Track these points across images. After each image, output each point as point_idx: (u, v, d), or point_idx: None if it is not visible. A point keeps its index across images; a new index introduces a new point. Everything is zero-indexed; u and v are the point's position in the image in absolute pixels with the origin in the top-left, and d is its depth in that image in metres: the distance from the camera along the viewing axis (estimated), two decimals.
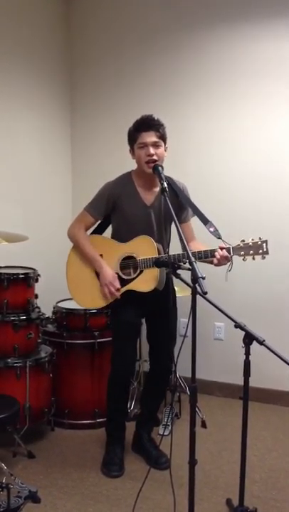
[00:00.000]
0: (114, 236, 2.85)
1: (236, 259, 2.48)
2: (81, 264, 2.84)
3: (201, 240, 2.81)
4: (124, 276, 2.73)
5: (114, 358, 2.84)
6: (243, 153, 3.77)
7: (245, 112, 3.74)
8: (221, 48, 3.78)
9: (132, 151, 2.72)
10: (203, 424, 3.39)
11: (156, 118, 2.68)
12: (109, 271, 2.72)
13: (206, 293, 1.91)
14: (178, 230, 2.25)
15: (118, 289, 2.70)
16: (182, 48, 3.90)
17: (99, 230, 2.94)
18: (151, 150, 2.62)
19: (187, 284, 2.06)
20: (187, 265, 2.08)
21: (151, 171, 2.61)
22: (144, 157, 2.64)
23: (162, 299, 2.66)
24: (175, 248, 2.62)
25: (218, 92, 3.81)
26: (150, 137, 2.62)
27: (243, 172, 3.78)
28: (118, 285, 2.70)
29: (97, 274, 2.78)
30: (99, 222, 2.89)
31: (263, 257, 2.44)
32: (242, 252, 2.45)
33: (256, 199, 3.75)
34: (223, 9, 3.74)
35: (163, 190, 2.44)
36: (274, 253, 3.48)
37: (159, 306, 2.74)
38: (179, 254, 2.50)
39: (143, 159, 2.64)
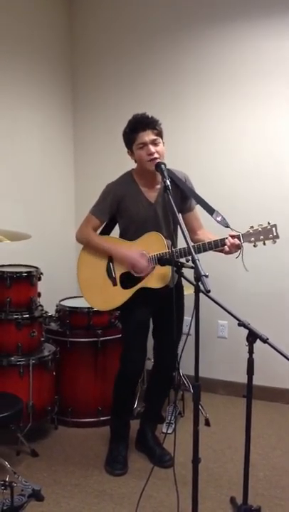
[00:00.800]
0: (122, 236, 2.84)
1: (246, 251, 2.46)
2: (92, 266, 2.82)
3: (208, 229, 2.80)
4: (135, 274, 2.72)
5: (125, 356, 2.83)
6: (245, 152, 3.76)
7: (246, 111, 3.72)
8: (221, 48, 3.77)
9: (131, 152, 2.70)
10: (207, 423, 3.39)
11: (150, 116, 2.66)
12: (131, 251, 2.69)
13: (209, 291, 1.90)
14: (182, 230, 2.23)
15: (149, 262, 2.65)
16: (183, 48, 3.89)
17: (105, 232, 2.93)
18: (152, 148, 2.60)
19: (190, 282, 2.06)
20: (190, 263, 2.07)
21: (154, 168, 2.60)
22: (145, 156, 2.62)
23: (172, 296, 2.65)
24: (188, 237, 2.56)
25: (218, 91, 3.80)
26: (148, 136, 2.61)
27: (245, 171, 3.77)
28: (146, 257, 2.65)
29: (109, 274, 2.76)
30: (105, 224, 2.89)
31: (274, 241, 2.43)
32: (252, 238, 2.44)
33: (258, 197, 3.73)
34: (224, 9, 3.72)
35: (166, 188, 2.42)
36: (278, 251, 3.49)
37: (168, 303, 2.74)
38: (184, 248, 2.48)
39: (145, 159, 2.63)
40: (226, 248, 2.47)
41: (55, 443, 3.13)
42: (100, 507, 2.48)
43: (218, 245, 2.49)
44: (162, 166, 2.56)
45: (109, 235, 2.93)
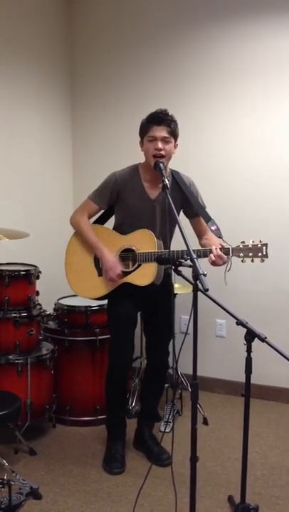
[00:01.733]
0: (116, 228, 2.84)
1: (236, 259, 2.48)
2: (81, 253, 2.84)
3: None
4: (122, 268, 2.72)
5: (112, 351, 2.85)
6: (246, 151, 3.76)
7: (246, 109, 3.72)
8: (221, 46, 3.76)
9: (142, 142, 2.70)
10: (205, 421, 3.39)
11: (170, 113, 2.66)
12: (111, 257, 2.71)
13: (207, 290, 1.90)
14: (180, 227, 2.22)
15: (119, 275, 2.68)
16: (182, 47, 3.88)
17: (101, 221, 2.93)
18: (160, 144, 2.60)
19: (188, 281, 2.05)
20: (188, 262, 2.07)
21: (153, 166, 2.59)
22: (152, 150, 2.62)
23: (160, 294, 2.66)
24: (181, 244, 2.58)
25: (219, 90, 3.79)
26: (160, 131, 2.61)
27: (246, 170, 3.77)
28: (119, 271, 2.69)
29: (96, 263, 2.78)
30: (102, 211, 2.88)
31: (262, 260, 2.44)
32: (241, 254, 2.45)
33: (259, 197, 3.74)
34: (223, 9, 3.72)
35: (164, 186, 2.42)
36: (276, 250, 3.49)
37: (156, 301, 2.75)
38: (178, 251, 2.49)
39: (151, 152, 2.63)
40: (212, 257, 2.47)
41: (53, 441, 3.13)
42: (97, 505, 2.48)
43: (205, 254, 2.49)
44: (160, 165, 2.55)
45: (103, 224, 2.92)
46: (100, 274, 2.79)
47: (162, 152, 2.60)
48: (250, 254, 2.44)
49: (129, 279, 2.70)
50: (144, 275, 2.66)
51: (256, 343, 2.06)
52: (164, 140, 2.62)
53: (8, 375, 2.95)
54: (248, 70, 3.69)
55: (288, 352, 1.96)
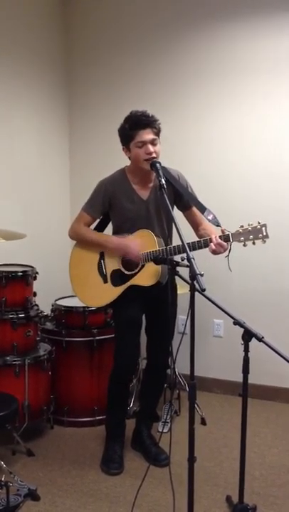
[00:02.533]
0: (115, 234, 2.84)
1: (236, 252, 2.46)
2: (84, 262, 2.84)
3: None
4: (126, 272, 2.72)
5: (117, 354, 2.84)
6: (245, 149, 3.76)
7: (245, 107, 3.72)
8: (220, 45, 3.76)
9: (127, 149, 2.68)
10: (203, 422, 3.39)
11: (150, 114, 2.64)
12: (122, 239, 2.69)
13: (204, 290, 1.90)
14: (176, 228, 2.22)
15: (135, 245, 2.65)
16: (181, 47, 3.88)
17: (99, 229, 2.93)
18: (151, 148, 2.59)
19: (186, 281, 2.06)
20: (185, 262, 2.07)
21: (150, 167, 2.59)
22: (143, 155, 2.61)
23: (164, 294, 2.66)
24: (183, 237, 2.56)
25: (217, 90, 3.79)
26: (148, 135, 2.59)
27: (243, 167, 3.77)
28: (129, 244, 2.66)
29: (100, 271, 2.78)
30: (98, 221, 2.89)
31: (264, 241, 2.41)
32: (242, 238, 2.43)
33: (256, 193, 3.73)
34: (222, 8, 3.72)
35: (161, 186, 2.41)
36: (273, 249, 3.49)
37: (160, 301, 2.74)
38: (176, 246, 2.48)
39: (142, 157, 2.61)
40: (212, 246, 2.45)
41: (51, 442, 3.12)
42: (95, 506, 2.47)
43: (206, 244, 2.47)
44: (157, 164, 2.55)
45: (102, 232, 2.93)
46: (105, 281, 2.78)
47: (154, 155, 2.59)
48: (251, 236, 2.41)
49: (134, 281, 2.70)
50: (149, 275, 2.65)
51: (254, 342, 2.06)
52: (153, 142, 2.61)
53: (6, 377, 2.94)
54: (247, 67, 3.68)
55: (285, 351, 1.96)
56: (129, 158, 2.71)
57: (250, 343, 2.09)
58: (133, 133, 2.61)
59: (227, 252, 2.46)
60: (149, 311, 2.90)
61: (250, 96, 3.70)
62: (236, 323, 2.06)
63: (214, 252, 2.47)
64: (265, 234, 2.41)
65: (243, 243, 2.43)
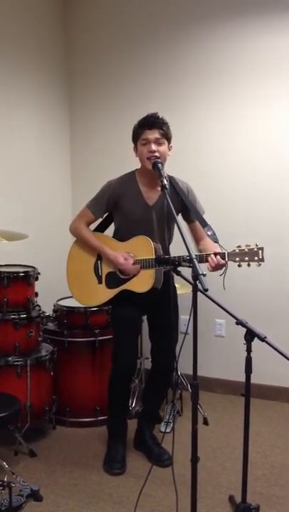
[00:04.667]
0: (115, 234, 2.85)
1: (232, 263, 2.47)
2: (81, 260, 2.85)
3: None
4: (121, 276, 2.73)
5: (116, 354, 2.84)
6: (245, 148, 3.76)
7: (246, 106, 3.73)
8: (221, 43, 3.76)
9: (136, 148, 2.72)
10: (205, 422, 3.39)
11: (160, 116, 2.68)
12: (117, 253, 2.71)
13: (206, 290, 1.90)
14: (178, 228, 2.22)
15: (130, 259, 2.68)
16: (181, 47, 3.88)
17: (101, 228, 2.94)
18: (153, 146, 2.61)
19: (188, 281, 2.05)
20: (188, 262, 2.07)
21: (152, 167, 2.60)
22: (145, 153, 2.63)
23: (163, 297, 2.66)
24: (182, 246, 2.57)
25: (217, 89, 3.80)
26: (153, 134, 2.63)
27: (243, 166, 3.77)
28: (131, 260, 2.68)
29: (96, 271, 2.79)
30: (101, 220, 2.89)
31: (259, 264, 2.40)
32: (237, 258, 2.42)
33: (257, 193, 3.74)
34: (222, 8, 3.72)
35: (163, 187, 2.42)
36: (275, 249, 3.49)
37: (160, 305, 2.74)
38: (178, 257, 2.48)
39: (145, 155, 2.64)
40: (209, 267, 2.45)
41: (53, 443, 3.12)
42: (98, 506, 2.47)
43: (201, 260, 2.47)
44: (159, 165, 2.55)
45: (103, 232, 2.93)
46: (99, 281, 2.80)
47: (156, 154, 2.61)
48: (246, 258, 2.40)
49: (128, 286, 2.71)
50: (143, 281, 2.67)
51: (256, 342, 2.05)
52: (157, 142, 2.63)
53: (8, 377, 2.95)
54: (248, 65, 3.68)
55: (287, 351, 1.95)
56: (138, 158, 2.72)
57: (252, 343, 2.09)
58: (140, 131, 2.66)
59: (223, 271, 2.46)
60: (149, 314, 2.90)
61: (250, 96, 3.70)
62: (239, 323, 2.06)
63: (212, 270, 2.47)
64: (260, 257, 2.39)
65: (238, 263, 2.42)
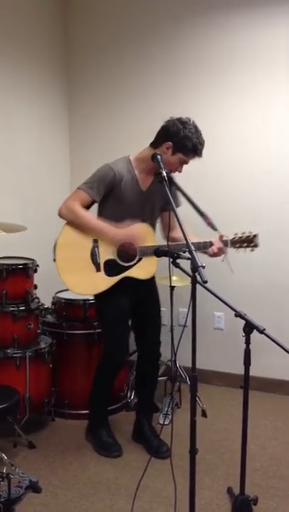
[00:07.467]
0: (102, 216, 2.77)
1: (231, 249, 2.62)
2: (75, 246, 2.73)
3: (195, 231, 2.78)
4: (121, 263, 2.72)
5: (110, 345, 2.85)
6: (244, 145, 3.75)
7: (246, 101, 3.72)
8: (221, 37, 3.75)
9: (172, 149, 2.64)
10: (204, 414, 3.40)
11: (204, 143, 2.69)
12: (125, 230, 2.69)
13: (206, 282, 1.89)
14: (176, 218, 2.21)
15: (137, 233, 2.71)
16: (182, 39, 3.86)
17: None
18: (182, 168, 2.71)
19: (187, 274, 2.05)
20: (187, 254, 2.06)
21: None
22: (174, 167, 2.68)
23: (148, 286, 2.71)
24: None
25: (218, 81, 3.78)
26: (191, 160, 2.70)
27: (242, 161, 3.76)
28: (141, 235, 2.71)
29: (94, 258, 2.73)
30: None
31: (252, 250, 2.59)
32: (237, 245, 2.61)
33: (254, 187, 3.74)
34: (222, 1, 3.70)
35: (162, 178, 2.39)
36: (273, 241, 3.49)
37: (145, 293, 2.82)
38: (177, 245, 2.50)
39: (173, 168, 2.68)
40: (214, 249, 2.57)
41: (52, 435, 3.13)
42: (97, 498, 2.48)
43: (206, 246, 2.59)
44: (158, 156, 2.53)
45: None
46: (98, 269, 2.74)
47: (177, 172, 2.72)
48: (245, 244, 2.59)
49: (130, 273, 2.71)
50: (146, 269, 2.70)
51: (255, 334, 2.05)
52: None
53: (7, 369, 2.95)
54: (248, 60, 3.67)
55: (287, 344, 1.95)
56: (163, 158, 2.57)
57: (251, 336, 2.08)
58: (189, 153, 2.65)
59: (223, 257, 2.61)
60: (136, 303, 2.88)
61: (252, 87, 3.68)
62: (238, 315, 2.05)
63: (213, 255, 2.61)
64: (255, 243, 2.58)
65: (236, 250, 2.62)
